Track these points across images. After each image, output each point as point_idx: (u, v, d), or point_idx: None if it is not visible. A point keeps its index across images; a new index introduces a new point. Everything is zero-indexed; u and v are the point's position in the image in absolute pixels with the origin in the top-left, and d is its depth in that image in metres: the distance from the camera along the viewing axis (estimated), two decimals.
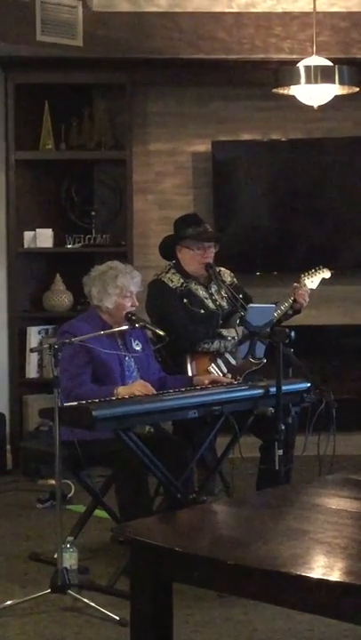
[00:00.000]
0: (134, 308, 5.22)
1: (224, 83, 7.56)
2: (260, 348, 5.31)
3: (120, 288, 5.18)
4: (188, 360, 5.55)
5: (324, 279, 5.94)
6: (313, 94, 6.48)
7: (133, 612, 3.23)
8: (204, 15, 7.20)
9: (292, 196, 7.75)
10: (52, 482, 6.01)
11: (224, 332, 5.59)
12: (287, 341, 5.01)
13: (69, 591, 4.54)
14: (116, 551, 5.18)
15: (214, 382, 5.25)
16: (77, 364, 5.02)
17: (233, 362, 5.51)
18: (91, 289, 5.26)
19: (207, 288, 5.73)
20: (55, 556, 4.63)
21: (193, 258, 5.68)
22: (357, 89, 6.56)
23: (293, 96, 6.58)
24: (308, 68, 6.31)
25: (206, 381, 5.24)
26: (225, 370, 5.51)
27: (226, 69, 7.41)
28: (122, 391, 4.95)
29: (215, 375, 5.41)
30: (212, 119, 7.68)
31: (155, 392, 5.00)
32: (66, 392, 4.81)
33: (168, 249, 5.78)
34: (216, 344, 5.54)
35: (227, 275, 5.87)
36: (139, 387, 4.98)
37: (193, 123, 7.69)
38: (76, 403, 4.70)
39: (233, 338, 5.52)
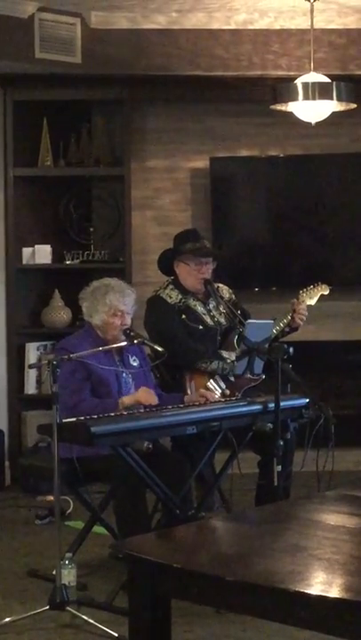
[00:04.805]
0: (126, 327, 5.22)
1: (222, 99, 7.59)
2: (259, 364, 5.30)
3: (108, 306, 5.19)
4: (187, 378, 5.54)
5: (322, 295, 5.94)
6: (311, 111, 6.49)
7: (132, 629, 3.22)
8: (202, 32, 7.22)
9: (290, 212, 7.76)
10: (51, 498, 6.00)
11: (224, 353, 5.58)
12: (285, 357, 5.01)
13: (68, 608, 4.52)
14: (114, 567, 5.17)
15: (203, 397, 5.25)
16: (77, 380, 5.03)
17: (232, 378, 5.50)
18: (83, 303, 5.29)
19: (205, 304, 5.72)
20: (54, 572, 4.63)
21: (190, 273, 5.66)
22: (355, 105, 6.58)
23: (291, 112, 6.59)
24: (305, 84, 6.33)
25: (194, 398, 5.27)
26: (223, 386, 5.50)
27: (224, 86, 7.43)
28: (126, 400, 4.99)
29: (203, 391, 5.37)
30: (210, 136, 7.70)
31: (157, 400, 5.05)
32: (69, 408, 4.82)
33: (166, 264, 5.77)
34: (215, 364, 5.53)
35: (225, 291, 5.86)
36: (142, 394, 5.01)
37: (191, 139, 7.71)
38: (74, 419, 4.70)
39: (233, 362, 5.49)
